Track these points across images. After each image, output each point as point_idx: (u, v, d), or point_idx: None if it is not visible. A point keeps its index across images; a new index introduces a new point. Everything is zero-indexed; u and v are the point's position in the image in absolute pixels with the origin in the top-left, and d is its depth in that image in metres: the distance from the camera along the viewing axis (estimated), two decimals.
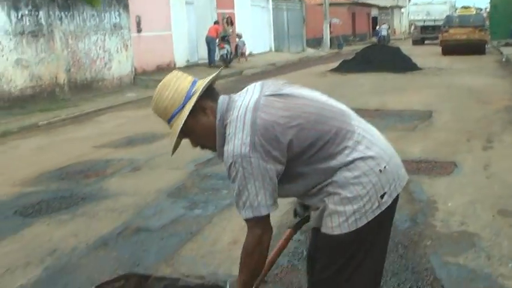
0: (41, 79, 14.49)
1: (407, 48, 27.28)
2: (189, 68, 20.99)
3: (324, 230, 2.32)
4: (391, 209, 2.35)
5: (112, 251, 4.73)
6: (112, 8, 17.45)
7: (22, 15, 13.94)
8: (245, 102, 2.25)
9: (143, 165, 7.60)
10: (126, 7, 18.12)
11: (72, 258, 4.60)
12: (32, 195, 6.46)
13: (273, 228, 2.29)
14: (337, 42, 37.80)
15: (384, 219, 2.33)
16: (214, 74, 2.41)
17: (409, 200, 5.54)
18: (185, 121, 2.28)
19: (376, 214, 2.25)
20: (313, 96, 2.36)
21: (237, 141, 2.16)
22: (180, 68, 20.69)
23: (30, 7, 14.20)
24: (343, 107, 2.40)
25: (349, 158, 2.22)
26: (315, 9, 38.42)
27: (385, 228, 2.40)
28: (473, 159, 7.20)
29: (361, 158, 2.23)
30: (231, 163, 2.18)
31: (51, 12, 14.86)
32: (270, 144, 2.15)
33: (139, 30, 19.49)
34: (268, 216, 2.23)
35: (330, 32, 37.10)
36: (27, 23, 14.11)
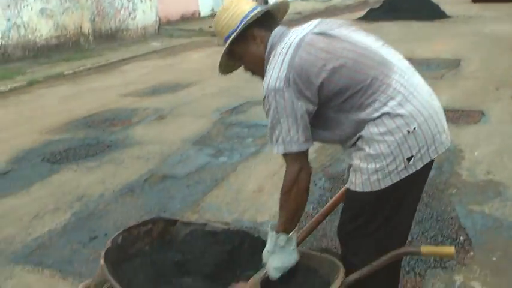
0: (65, 29, 14.47)
1: None
2: (214, 17, 20.73)
3: (348, 185, 2.31)
4: (423, 173, 2.25)
5: (138, 197, 4.79)
6: None
7: None
8: (292, 37, 2.23)
9: (168, 114, 7.61)
10: None
11: (100, 205, 4.68)
12: (59, 143, 6.55)
13: (311, 168, 2.26)
14: None
15: (414, 182, 2.24)
16: (271, 3, 2.39)
17: None
18: (236, 46, 2.33)
19: (403, 177, 2.17)
20: (361, 41, 2.26)
21: (274, 74, 2.17)
22: (204, 18, 20.51)
23: None
24: (391, 57, 2.28)
25: (378, 113, 2.15)
26: None
27: (414, 191, 2.32)
28: (501, 108, 7.07)
29: (389, 114, 2.14)
30: (266, 96, 2.19)
31: None
32: (303, 83, 2.14)
33: None
34: (304, 153, 2.22)
35: None
36: None
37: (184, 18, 19.62)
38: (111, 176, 5.34)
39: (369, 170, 2.18)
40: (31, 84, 10.73)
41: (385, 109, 2.14)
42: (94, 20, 15.41)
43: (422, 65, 10.10)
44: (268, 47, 2.31)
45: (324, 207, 2.71)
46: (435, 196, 4.44)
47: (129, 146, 6.24)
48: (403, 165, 2.16)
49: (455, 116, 6.70)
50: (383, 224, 2.27)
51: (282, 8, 2.46)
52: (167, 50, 14.62)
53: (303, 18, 22.46)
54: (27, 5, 13.30)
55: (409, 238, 3.71)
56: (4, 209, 4.73)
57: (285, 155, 2.22)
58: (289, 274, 2.45)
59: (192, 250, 2.65)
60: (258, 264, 2.56)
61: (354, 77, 2.15)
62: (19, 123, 7.66)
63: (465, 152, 5.41)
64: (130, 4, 16.88)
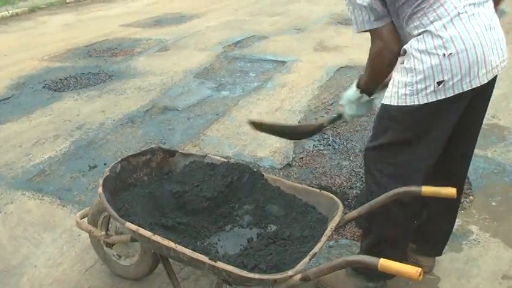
0: None
1: None
2: None
3: (382, 100, 2.34)
4: (455, 105, 2.21)
5: (138, 128, 4.76)
6: None
7: None
8: None
9: (171, 46, 7.49)
10: None
11: (100, 134, 4.66)
12: (60, 71, 6.47)
13: (398, 45, 2.26)
14: None
15: (443, 112, 2.20)
16: None
17: None
18: None
19: (430, 100, 2.13)
20: None
21: None
22: None
23: None
24: None
25: (421, 29, 2.14)
26: None
27: (443, 123, 2.26)
28: (510, 49, 6.92)
29: (431, 33, 2.11)
30: None
31: None
32: None
33: None
34: (385, 30, 2.25)
35: None
36: None
37: None
38: (112, 105, 5.29)
39: (400, 82, 2.19)
40: (33, 10, 10.56)
41: (429, 27, 2.12)
42: None
43: None
44: None
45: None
46: None
47: (131, 77, 6.17)
48: (432, 88, 2.13)
49: None
50: (405, 148, 2.27)
51: None
52: None
53: None
54: None
55: None
56: (5, 135, 4.71)
57: (369, 32, 2.29)
58: (289, 210, 2.45)
59: (190, 182, 2.63)
60: (257, 197, 2.56)
61: None
62: (20, 50, 7.56)
63: None
64: None
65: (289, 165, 3.99)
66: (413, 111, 2.17)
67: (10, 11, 10.26)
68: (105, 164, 4.05)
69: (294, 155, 4.11)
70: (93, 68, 6.52)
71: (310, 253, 2.04)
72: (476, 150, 4.13)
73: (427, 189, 2.13)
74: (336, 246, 3.03)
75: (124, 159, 2.68)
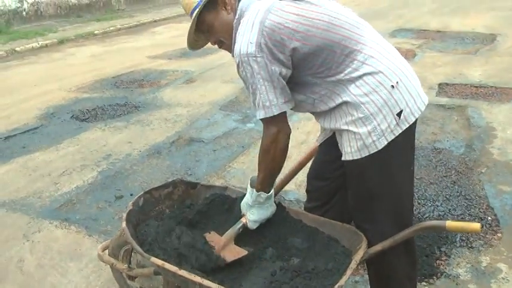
0: None
1: None
2: None
3: (344, 157, 2.26)
4: (413, 129, 2.24)
5: (164, 159, 4.81)
6: None
7: None
8: (261, 4, 2.17)
9: (197, 78, 7.59)
10: None
11: (126, 164, 4.71)
12: (88, 101, 6.59)
13: (290, 129, 2.24)
14: None
15: (408, 139, 2.23)
16: None
17: (465, 125, 5.39)
18: (205, 15, 2.25)
19: (397, 134, 2.14)
20: (332, 6, 2.22)
21: (245, 40, 2.11)
22: None
23: None
24: (362, 20, 2.25)
25: (358, 73, 2.11)
26: None
27: (410, 149, 2.30)
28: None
29: (371, 73, 2.11)
30: (239, 62, 2.14)
31: None
32: (275, 46, 2.08)
33: None
34: (282, 115, 2.18)
35: None
36: None
37: None
38: (139, 136, 5.36)
39: (362, 134, 2.15)
40: (62, 42, 10.80)
41: (365, 68, 2.11)
42: None
43: (456, 38, 9.92)
44: (237, 14, 2.24)
45: (298, 161, 2.75)
46: (464, 174, 4.37)
47: (157, 108, 6.25)
48: (394, 122, 2.13)
49: (488, 92, 6.56)
50: (390, 184, 2.24)
51: None
52: None
53: None
54: None
55: (436, 215, 3.70)
56: (34, 164, 4.79)
57: (264, 118, 2.19)
58: (312, 243, 2.45)
59: (210, 214, 2.65)
60: (279, 230, 2.55)
61: (329, 38, 2.11)
62: (49, 80, 7.72)
63: (497, 130, 5.31)
64: None
65: (284, 201, 3.97)
66: (385, 151, 2.16)
67: (40, 42, 10.51)
68: (131, 195, 4.09)
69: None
70: (120, 99, 6.62)
71: (337, 286, 2.02)
72: (503, 187, 4.14)
73: (451, 225, 2.11)
74: (362, 282, 3.00)
75: (147, 192, 2.70)
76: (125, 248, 2.70)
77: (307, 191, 2.78)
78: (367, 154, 2.17)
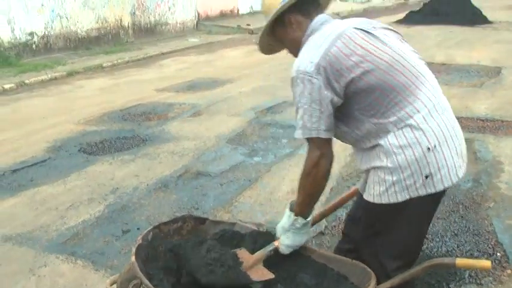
0: (106, 21, 14.63)
1: None
2: (252, 15, 20.75)
3: (365, 196, 2.30)
4: (440, 196, 2.26)
5: (172, 193, 4.81)
6: None
7: None
8: (333, 27, 2.23)
9: (204, 111, 7.63)
10: None
11: (133, 198, 4.71)
12: (96, 134, 6.62)
13: (333, 155, 2.26)
14: None
15: (431, 201, 2.25)
16: None
17: (472, 159, 5.37)
18: (275, 29, 2.37)
19: (421, 194, 2.16)
20: (399, 48, 2.24)
21: (307, 57, 2.16)
22: (243, 15, 20.51)
23: None
24: (424, 72, 2.25)
25: (401, 124, 2.13)
26: None
27: (430, 210, 2.33)
28: None
29: (411, 127, 2.12)
30: (294, 77, 2.19)
31: None
32: (334, 74, 2.12)
33: None
34: (326, 141, 2.21)
35: None
36: None
37: (223, 15, 19.64)
38: (146, 170, 5.37)
39: (386, 182, 2.17)
40: (71, 74, 10.91)
41: (409, 121, 2.13)
42: (134, 13, 15.57)
43: (461, 71, 9.96)
44: (308, 32, 2.30)
45: (339, 198, 2.81)
46: (472, 209, 4.34)
47: (164, 141, 6.28)
48: (420, 181, 2.14)
49: (495, 126, 6.56)
50: (399, 232, 2.28)
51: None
52: (205, 46, 14.67)
53: (341, 19, 22.25)
54: None
55: (444, 250, 3.67)
56: (41, 197, 4.80)
57: (308, 139, 2.22)
58: (321, 279, 2.44)
59: (219, 250, 2.64)
60: (288, 265, 2.54)
61: (385, 80, 2.13)
62: (58, 113, 7.77)
63: (504, 164, 5.29)
64: None
65: (321, 233, 3.97)
66: (404, 204, 2.19)
67: (49, 75, 10.61)
68: (138, 229, 4.08)
69: (326, 223, 4.08)
70: (127, 132, 6.66)
71: None
72: (511, 222, 4.11)
73: (461, 262, 2.10)
74: None
75: (156, 227, 2.71)
76: (133, 282, 2.68)
77: (342, 232, 2.79)
78: (387, 202, 2.20)
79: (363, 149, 2.28)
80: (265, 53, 2.56)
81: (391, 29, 2.34)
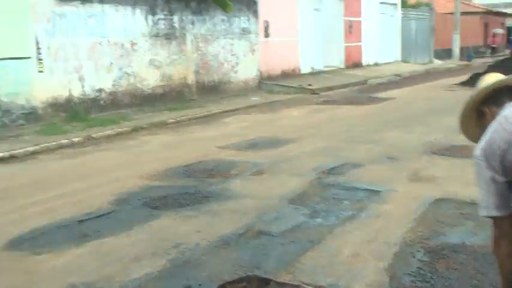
0: (171, 79, 15.14)
1: None
2: (313, 75, 21.02)
3: None
4: None
5: (233, 251, 4.81)
6: (241, 13, 17.91)
7: (158, 19, 14.70)
8: (506, 112, 2.33)
9: (266, 170, 7.68)
10: (255, 13, 18.55)
11: (195, 254, 4.74)
12: (159, 189, 6.75)
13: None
14: (466, 53, 36.11)
15: None
16: (497, 80, 2.58)
17: None
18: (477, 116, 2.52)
19: None
20: None
21: (481, 143, 2.31)
22: (304, 75, 20.80)
23: (165, 11, 14.95)
24: None
25: None
26: (444, 18, 36.50)
27: None
28: None
29: None
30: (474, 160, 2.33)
31: (184, 17, 15.52)
32: (491, 154, 2.24)
33: (266, 35, 19.74)
34: (504, 220, 2.25)
35: (493, 42, 36.64)
36: (162, 26, 14.85)
37: (285, 74, 19.97)
38: (208, 226, 5.41)
39: None
40: (136, 130, 11.25)
41: None
42: (198, 72, 16.06)
43: None
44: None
45: None
46: None
47: (227, 199, 6.33)
48: None
49: None
50: None
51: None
52: (267, 105, 14.90)
53: (402, 80, 22.31)
54: (138, 56, 14.10)
55: None
56: (106, 249, 4.90)
57: (490, 218, 2.31)
58: None
59: None
60: None
61: None
62: (123, 167, 7.99)
63: None
64: (234, 58, 17.50)
65: None
66: None
67: (115, 130, 10.99)
68: (199, 285, 4.08)
69: None
70: (190, 188, 6.76)
71: None
72: None
73: None
74: None
75: (221, 285, 2.72)
76: None
77: None
78: None
79: None
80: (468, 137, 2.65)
81: None
